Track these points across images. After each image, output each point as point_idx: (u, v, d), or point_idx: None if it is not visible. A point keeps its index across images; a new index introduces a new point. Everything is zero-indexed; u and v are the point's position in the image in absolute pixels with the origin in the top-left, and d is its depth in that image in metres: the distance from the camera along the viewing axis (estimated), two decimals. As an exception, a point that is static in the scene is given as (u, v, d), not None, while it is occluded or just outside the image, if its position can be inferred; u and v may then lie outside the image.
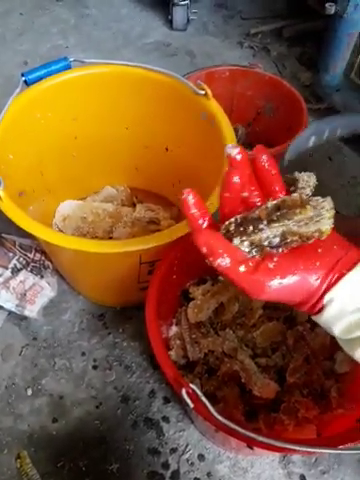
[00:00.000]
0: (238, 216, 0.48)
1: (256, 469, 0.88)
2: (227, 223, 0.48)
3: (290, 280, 0.47)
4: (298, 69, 1.66)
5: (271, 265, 0.47)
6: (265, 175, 0.51)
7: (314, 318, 0.51)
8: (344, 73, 1.40)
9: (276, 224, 0.46)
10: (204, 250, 0.46)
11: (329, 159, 1.40)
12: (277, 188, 0.51)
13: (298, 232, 0.47)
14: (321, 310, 0.49)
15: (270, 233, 0.46)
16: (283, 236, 0.47)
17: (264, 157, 0.50)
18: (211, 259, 0.46)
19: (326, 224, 0.47)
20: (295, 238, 0.47)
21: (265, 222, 0.47)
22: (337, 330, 0.49)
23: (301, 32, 1.78)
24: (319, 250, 0.49)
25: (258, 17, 1.87)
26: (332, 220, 0.48)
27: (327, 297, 0.48)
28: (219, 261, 0.46)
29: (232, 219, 0.48)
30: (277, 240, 0.47)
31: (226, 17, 1.89)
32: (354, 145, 1.42)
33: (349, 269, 0.48)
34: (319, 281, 0.48)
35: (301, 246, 0.48)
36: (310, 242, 0.48)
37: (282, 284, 0.47)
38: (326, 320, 0.49)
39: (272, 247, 0.47)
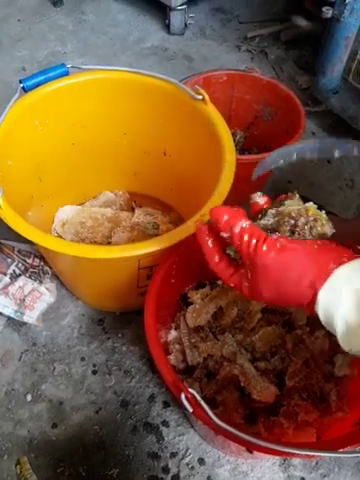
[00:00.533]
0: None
1: (256, 473, 0.88)
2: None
3: (289, 251, 0.51)
4: (296, 72, 1.67)
5: (275, 236, 0.53)
6: None
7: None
8: (342, 76, 1.41)
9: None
10: (226, 217, 0.53)
11: (327, 162, 1.40)
12: None
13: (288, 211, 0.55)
14: (314, 300, 0.50)
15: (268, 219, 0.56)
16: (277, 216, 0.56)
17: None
18: (233, 222, 0.52)
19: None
20: (286, 219, 0.55)
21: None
22: (341, 315, 0.49)
23: (299, 35, 1.78)
24: (317, 243, 0.52)
25: (255, 21, 1.87)
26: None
27: (327, 282, 0.49)
28: (240, 223, 0.52)
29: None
30: (272, 221, 0.56)
31: (223, 21, 1.90)
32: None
33: (349, 259, 0.50)
34: (315, 265, 0.50)
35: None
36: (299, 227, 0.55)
37: (282, 252, 0.51)
38: (326, 307, 0.50)
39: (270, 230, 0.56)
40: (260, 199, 0.59)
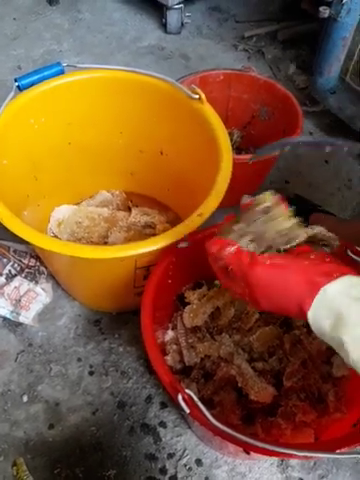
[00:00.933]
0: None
1: (254, 473, 0.88)
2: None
3: (277, 268, 0.52)
4: (293, 72, 1.67)
5: (266, 254, 0.55)
6: None
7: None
8: (339, 76, 1.41)
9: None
10: (215, 248, 0.57)
11: (325, 162, 1.40)
12: None
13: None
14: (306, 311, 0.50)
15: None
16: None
17: None
18: (221, 251, 0.56)
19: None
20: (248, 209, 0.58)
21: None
22: (328, 328, 0.49)
23: (296, 35, 1.78)
24: (312, 256, 0.54)
25: (252, 20, 1.87)
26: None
27: (316, 298, 0.49)
28: (228, 249, 0.55)
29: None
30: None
31: (220, 20, 1.89)
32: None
33: (342, 274, 0.50)
34: (305, 275, 0.50)
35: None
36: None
37: (269, 270, 0.52)
38: (316, 321, 0.50)
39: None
40: (248, 200, 0.60)
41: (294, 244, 0.56)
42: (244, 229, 0.56)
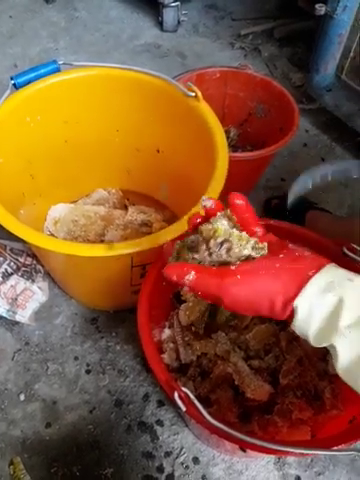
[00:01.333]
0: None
1: (251, 471, 0.88)
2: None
3: (252, 270, 0.49)
4: (289, 69, 1.67)
5: (233, 267, 0.50)
6: (242, 218, 0.54)
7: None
8: (335, 73, 1.41)
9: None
10: (174, 278, 0.50)
11: (322, 160, 1.40)
12: (253, 227, 0.55)
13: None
14: (292, 316, 0.49)
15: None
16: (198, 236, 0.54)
17: (239, 201, 0.54)
18: (180, 280, 0.50)
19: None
20: (200, 239, 0.53)
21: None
22: (311, 337, 0.48)
23: (292, 33, 1.78)
24: (281, 255, 0.50)
25: (249, 18, 1.87)
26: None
27: (296, 302, 0.47)
28: (187, 277, 0.50)
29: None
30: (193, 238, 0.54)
31: (217, 18, 1.89)
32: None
33: (316, 271, 0.48)
34: (280, 280, 0.48)
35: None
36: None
37: (244, 270, 0.49)
38: (299, 326, 0.49)
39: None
40: (207, 202, 0.55)
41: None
42: (206, 260, 0.53)
